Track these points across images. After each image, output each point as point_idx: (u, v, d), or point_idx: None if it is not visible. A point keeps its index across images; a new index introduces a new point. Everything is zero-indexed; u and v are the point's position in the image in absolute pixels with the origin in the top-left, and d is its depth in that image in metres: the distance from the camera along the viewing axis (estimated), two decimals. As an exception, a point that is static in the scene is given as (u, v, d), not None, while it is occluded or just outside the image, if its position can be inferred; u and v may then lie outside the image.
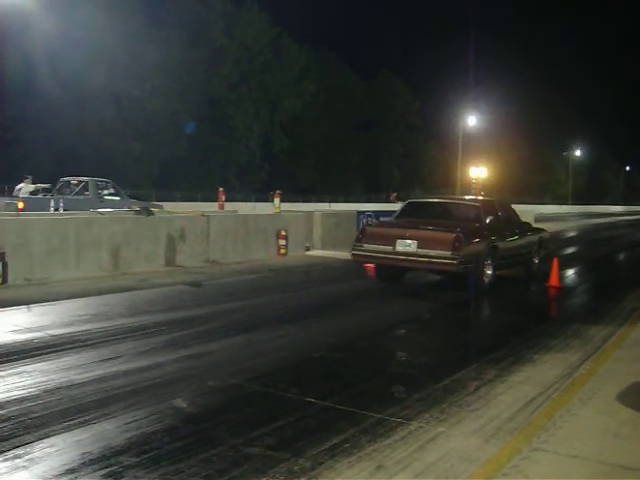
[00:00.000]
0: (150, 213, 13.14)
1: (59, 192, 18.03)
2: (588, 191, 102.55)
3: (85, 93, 39.49)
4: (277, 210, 16.48)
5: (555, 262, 12.10)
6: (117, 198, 18.02)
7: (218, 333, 7.42)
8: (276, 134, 55.43)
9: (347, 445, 4.22)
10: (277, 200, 16.60)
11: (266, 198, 41.91)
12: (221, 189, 18.23)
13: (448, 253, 9.80)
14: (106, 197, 17.74)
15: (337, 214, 18.66)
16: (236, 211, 17.16)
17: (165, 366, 5.91)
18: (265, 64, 52.72)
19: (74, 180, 18.54)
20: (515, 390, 5.51)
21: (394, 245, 10.31)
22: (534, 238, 13.23)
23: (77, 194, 17.74)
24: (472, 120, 57.12)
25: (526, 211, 35.56)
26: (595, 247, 24.16)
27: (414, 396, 5.29)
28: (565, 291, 11.93)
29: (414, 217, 11.47)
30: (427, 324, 8.78)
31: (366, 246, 10.74)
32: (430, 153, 75.24)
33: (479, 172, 38.92)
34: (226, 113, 50.51)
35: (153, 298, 9.70)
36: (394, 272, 11.33)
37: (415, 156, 73.20)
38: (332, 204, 41.85)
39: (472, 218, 11.22)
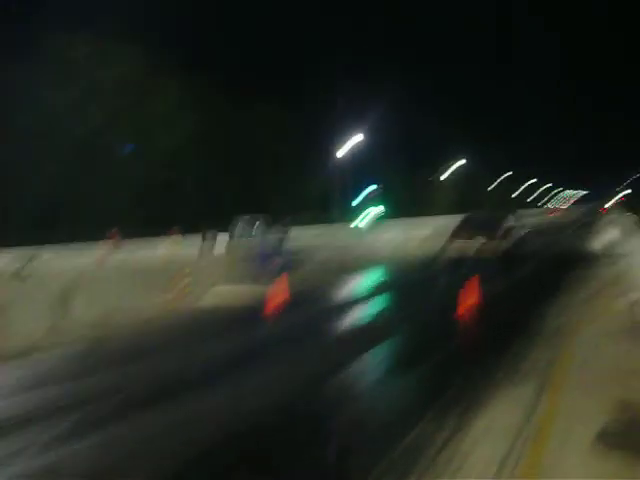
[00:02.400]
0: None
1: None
2: (467, 203, 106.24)
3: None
4: (174, 250, 15.48)
5: (475, 280, 11.82)
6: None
7: (120, 412, 6.20)
8: (155, 167, 53.67)
9: None
10: (173, 240, 15.60)
11: (149, 235, 40.25)
12: (113, 231, 16.74)
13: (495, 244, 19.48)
14: None
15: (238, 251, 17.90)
16: (130, 257, 15.95)
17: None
18: (137, 96, 51.03)
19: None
20: (484, 444, 4.97)
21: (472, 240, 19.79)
22: (515, 224, 22.48)
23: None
24: (352, 141, 57.91)
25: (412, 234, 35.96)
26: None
27: (377, 469, 4.61)
28: (488, 309, 11.41)
29: (472, 227, 20.95)
30: (355, 371, 7.90)
31: (456, 242, 20.36)
32: (310, 176, 75.53)
33: (373, 190, 41.62)
34: (101, 150, 48.45)
35: (42, 370, 8.30)
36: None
37: (299, 180, 73.16)
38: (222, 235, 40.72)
39: (501, 224, 21.04)
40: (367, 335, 9.62)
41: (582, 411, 5.61)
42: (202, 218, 52.44)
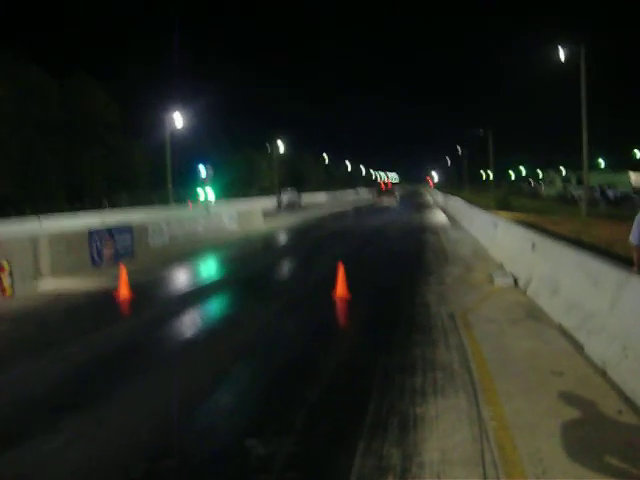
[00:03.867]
0: None
1: None
2: (290, 182, 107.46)
3: None
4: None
5: (341, 269, 11.08)
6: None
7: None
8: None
9: None
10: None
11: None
12: None
13: (394, 200, 67.29)
14: None
15: (67, 236, 15.97)
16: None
17: None
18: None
19: None
20: None
21: (382, 200, 66.68)
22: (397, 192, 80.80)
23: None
24: (178, 119, 55.78)
25: (255, 210, 35.33)
26: (345, 242, 23.31)
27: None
28: (360, 302, 10.78)
29: (381, 194, 72.73)
30: (243, 380, 7.07)
31: (375, 202, 67.84)
32: (136, 154, 71.68)
33: (207, 170, 41.39)
34: None
35: None
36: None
37: (119, 158, 68.94)
38: (42, 218, 37.28)
39: (394, 191, 77.45)
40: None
41: (534, 423, 5.25)
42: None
